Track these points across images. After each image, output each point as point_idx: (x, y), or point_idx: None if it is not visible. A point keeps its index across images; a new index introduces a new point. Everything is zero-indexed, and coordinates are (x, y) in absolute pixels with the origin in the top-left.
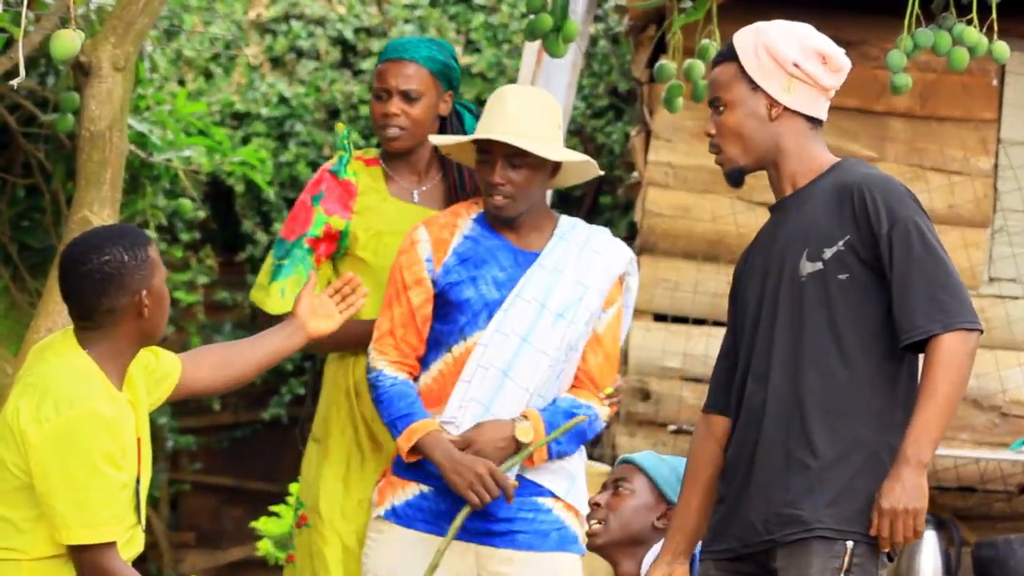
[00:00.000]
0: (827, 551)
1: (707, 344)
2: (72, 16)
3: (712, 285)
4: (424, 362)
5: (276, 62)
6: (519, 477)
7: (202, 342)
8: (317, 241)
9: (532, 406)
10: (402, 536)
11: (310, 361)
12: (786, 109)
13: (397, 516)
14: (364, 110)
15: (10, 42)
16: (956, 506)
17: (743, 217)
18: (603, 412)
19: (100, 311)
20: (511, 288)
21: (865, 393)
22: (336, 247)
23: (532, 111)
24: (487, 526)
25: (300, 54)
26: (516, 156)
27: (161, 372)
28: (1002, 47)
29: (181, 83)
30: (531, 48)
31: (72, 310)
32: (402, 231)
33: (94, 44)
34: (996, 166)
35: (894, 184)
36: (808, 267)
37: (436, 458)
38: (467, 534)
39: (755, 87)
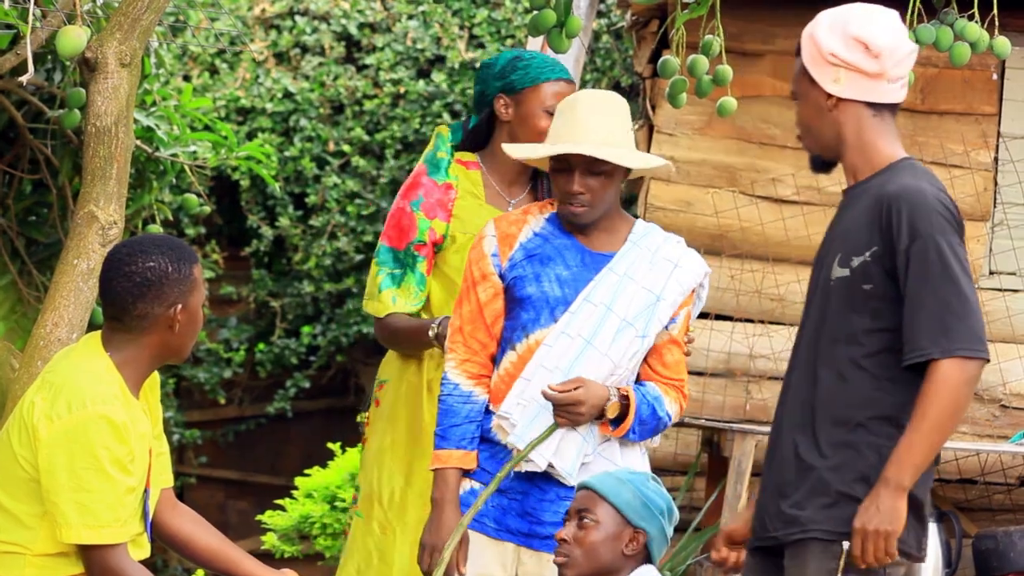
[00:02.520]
0: (824, 552)
1: (710, 338)
2: (78, 12)
3: (714, 279)
4: (497, 358)
5: (281, 57)
6: (557, 485)
7: (207, 336)
8: (424, 246)
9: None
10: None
11: (314, 355)
12: (841, 99)
13: None
14: (368, 105)
15: (17, 38)
16: (956, 498)
17: (745, 211)
18: (675, 410)
19: (132, 315)
20: (575, 288)
21: (876, 402)
22: (435, 250)
23: (606, 117)
24: (532, 528)
25: (305, 50)
26: (594, 164)
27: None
28: (1003, 42)
29: (187, 78)
30: (534, 43)
31: (106, 309)
32: None
33: (100, 40)
34: (996, 160)
35: (926, 199)
36: (838, 272)
37: (434, 496)
38: (510, 534)
39: (812, 80)
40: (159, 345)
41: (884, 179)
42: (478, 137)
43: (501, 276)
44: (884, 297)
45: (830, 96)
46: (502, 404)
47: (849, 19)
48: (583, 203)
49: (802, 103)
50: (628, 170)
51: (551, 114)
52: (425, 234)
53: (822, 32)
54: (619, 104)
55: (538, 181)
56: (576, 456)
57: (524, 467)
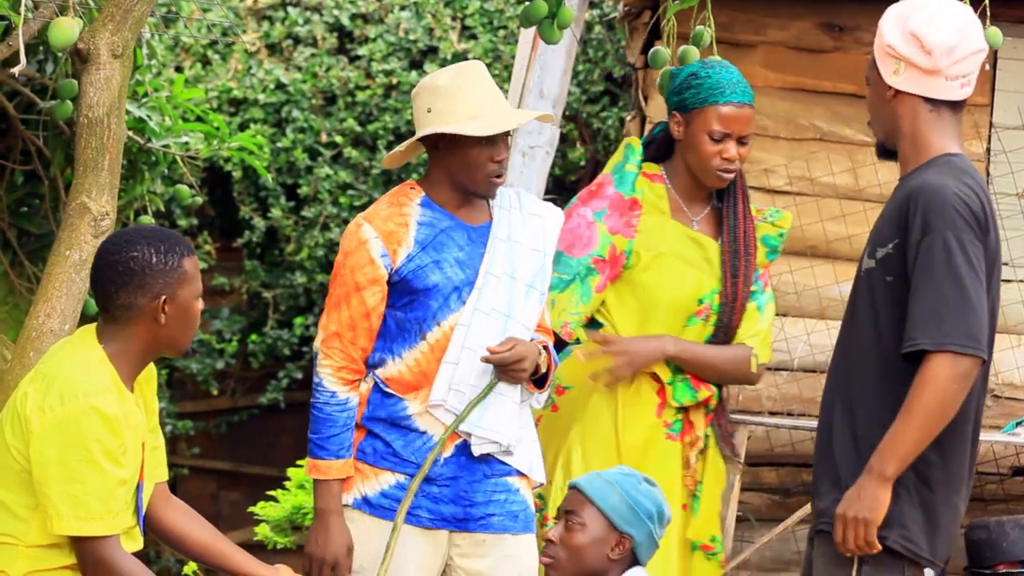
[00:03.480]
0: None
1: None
2: (70, 3)
3: None
4: (393, 351)
5: (273, 49)
6: (492, 458)
7: (200, 327)
8: (603, 262)
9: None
10: (380, 527)
11: (307, 346)
12: (899, 91)
13: (371, 506)
14: (361, 96)
15: (9, 29)
16: None
17: None
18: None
19: (116, 304)
20: (472, 265)
21: (893, 393)
22: (620, 270)
23: (490, 84)
24: (466, 511)
25: (297, 41)
26: (511, 132)
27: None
28: (995, 32)
29: (179, 70)
30: (526, 34)
31: (96, 299)
32: (681, 255)
33: (92, 31)
34: (988, 150)
35: (943, 195)
36: (867, 263)
37: (318, 506)
38: (444, 521)
39: (878, 69)
40: (148, 337)
41: (921, 174)
42: (661, 148)
43: (395, 273)
44: (903, 289)
45: (890, 87)
46: (432, 392)
47: (912, 14)
48: (504, 170)
49: (870, 90)
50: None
51: (716, 140)
52: (606, 249)
53: (887, 23)
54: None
55: (725, 200)
56: (514, 424)
57: (479, 448)
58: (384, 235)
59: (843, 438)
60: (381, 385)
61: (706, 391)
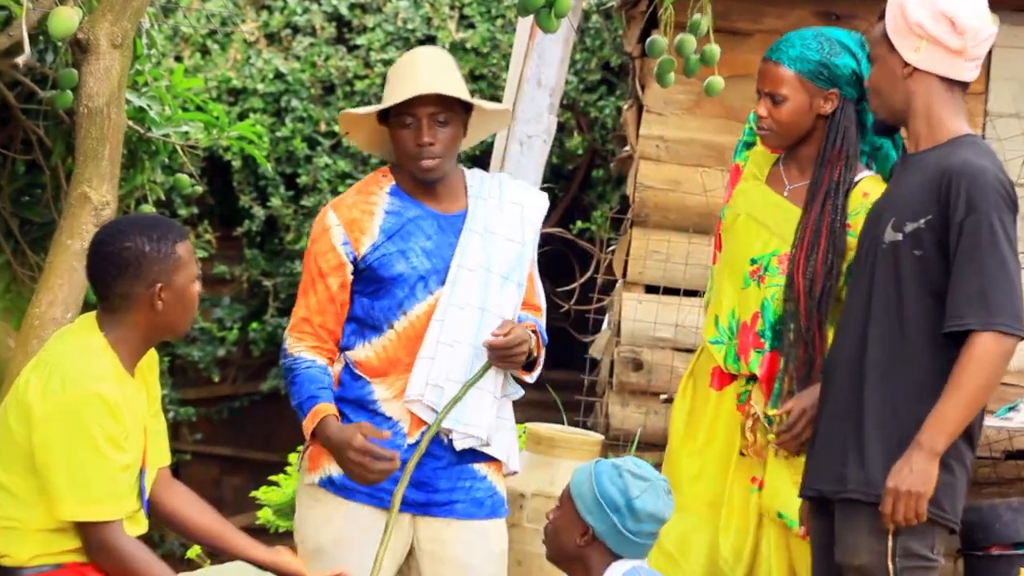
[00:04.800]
0: (875, 515)
1: (699, 315)
2: None
3: (703, 257)
4: (363, 336)
5: (272, 38)
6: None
7: (201, 315)
8: (719, 236)
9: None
10: (345, 508)
11: None
12: (916, 69)
13: (334, 486)
14: (359, 85)
15: (9, 19)
16: None
17: None
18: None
19: (114, 294)
20: (441, 256)
21: (917, 363)
22: (719, 234)
23: (443, 67)
24: (428, 496)
25: (296, 30)
26: (441, 112)
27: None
28: (994, 19)
29: (178, 59)
30: (524, 23)
31: (93, 290)
32: (760, 218)
33: (92, 21)
34: (983, 137)
35: (986, 176)
36: (890, 235)
37: (325, 439)
38: (407, 506)
39: (892, 47)
40: (147, 323)
41: (946, 152)
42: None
43: (359, 261)
44: (932, 264)
45: (907, 64)
46: (409, 387)
47: None
48: (434, 155)
49: (878, 67)
50: (467, 122)
51: (757, 96)
52: (721, 222)
53: (911, 3)
54: (451, 58)
55: (822, 171)
56: (491, 417)
57: (461, 444)
58: (346, 223)
59: (869, 412)
60: (351, 367)
61: (746, 367)
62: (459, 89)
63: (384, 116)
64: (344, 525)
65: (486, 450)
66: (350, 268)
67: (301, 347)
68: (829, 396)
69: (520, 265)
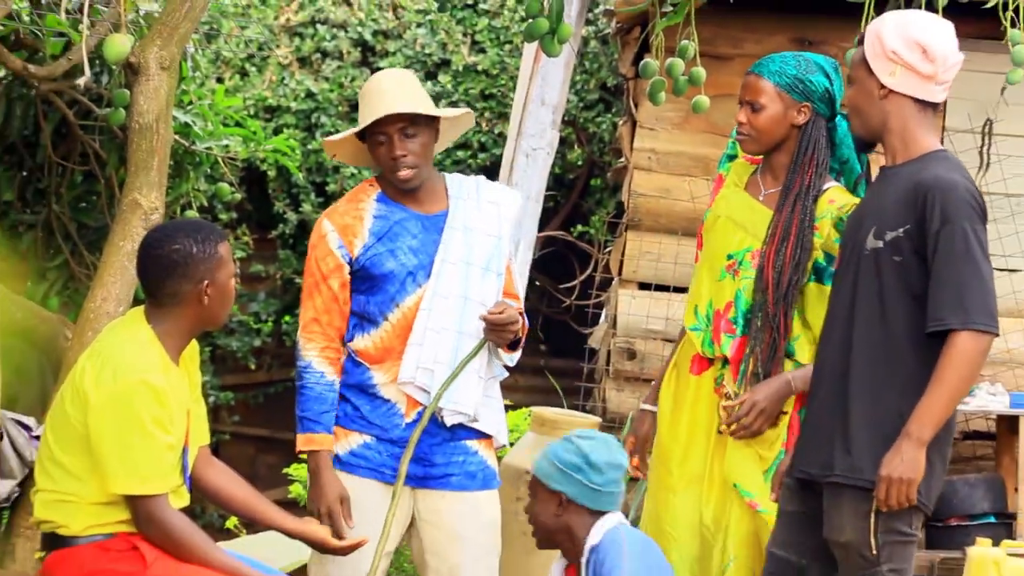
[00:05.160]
0: (859, 497)
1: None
2: (123, 22)
3: (690, 257)
4: (362, 328)
5: (304, 62)
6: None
7: (239, 309)
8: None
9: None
10: (351, 483)
11: None
12: (892, 91)
13: (340, 462)
14: None
15: (69, 45)
16: None
17: None
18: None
19: (165, 292)
20: (426, 251)
21: (899, 360)
22: (701, 234)
23: (406, 87)
24: (426, 470)
25: (325, 55)
26: (408, 127)
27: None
28: None
29: (220, 80)
30: (530, 48)
31: (143, 288)
32: (737, 219)
33: (142, 46)
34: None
35: (958, 190)
36: (872, 243)
37: (312, 469)
38: (408, 479)
39: (870, 70)
40: (193, 317)
41: (919, 166)
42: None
43: (353, 262)
44: (911, 269)
45: (883, 87)
46: (401, 372)
47: (913, 24)
48: (409, 165)
49: (856, 88)
50: (437, 130)
51: (740, 105)
52: (703, 224)
53: (887, 31)
54: (411, 75)
55: (793, 177)
56: (478, 395)
57: (451, 420)
58: (340, 228)
59: (854, 404)
60: (353, 355)
61: (719, 349)
62: (421, 104)
63: (362, 135)
64: (352, 497)
65: (477, 426)
66: (347, 269)
67: (312, 350)
68: (819, 388)
69: (499, 256)
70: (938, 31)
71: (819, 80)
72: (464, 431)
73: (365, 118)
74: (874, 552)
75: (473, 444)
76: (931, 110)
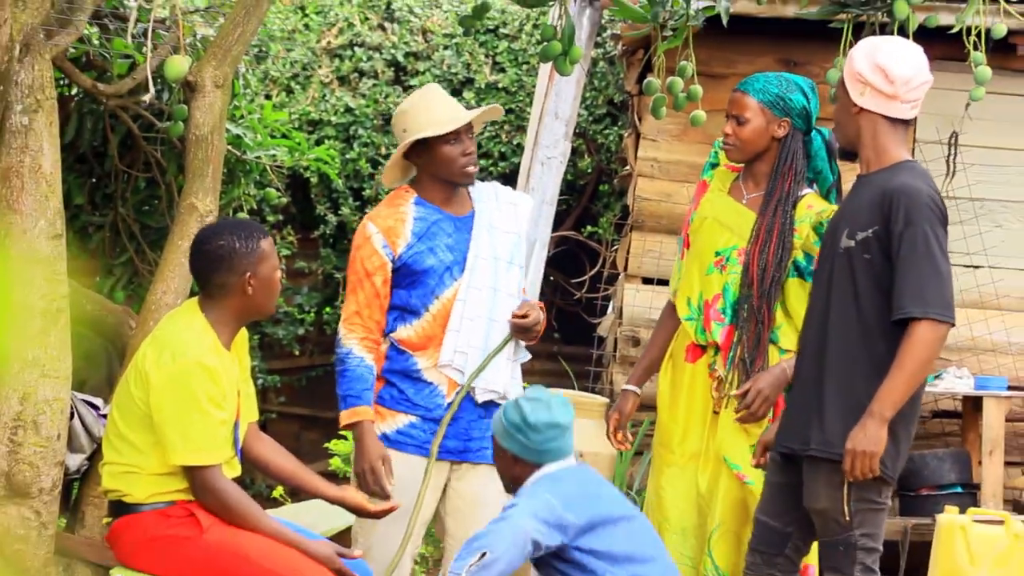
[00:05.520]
0: (832, 469)
1: None
2: (182, 45)
3: None
4: (404, 320)
5: (343, 80)
6: (488, 403)
7: (285, 301)
8: (685, 236)
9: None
10: (397, 457)
11: None
12: (863, 109)
13: (388, 440)
14: None
15: (133, 66)
16: None
17: None
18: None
19: (213, 284)
20: (459, 249)
21: (869, 347)
22: (687, 235)
23: (449, 97)
24: (465, 445)
25: (362, 74)
26: (471, 129)
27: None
28: None
29: (268, 97)
30: (545, 68)
31: (196, 281)
32: (724, 221)
33: (199, 67)
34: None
35: (921, 195)
36: (845, 242)
37: (357, 436)
38: (448, 453)
39: (846, 89)
40: (240, 306)
41: (889, 175)
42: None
43: (396, 260)
44: (879, 266)
45: (856, 105)
46: (441, 356)
47: (879, 50)
48: (475, 161)
49: (838, 105)
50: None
51: (727, 118)
52: (689, 225)
53: (858, 55)
54: (440, 88)
55: (774, 184)
56: (507, 375)
57: (482, 397)
58: (384, 230)
59: (829, 385)
60: (396, 344)
61: (710, 335)
62: (475, 111)
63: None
64: (396, 470)
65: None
66: (390, 266)
67: (353, 339)
68: (799, 372)
69: (518, 250)
70: (902, 56)
71: (798, 98)
72: (496, 408)
73: (443, 124)
74: (847, 519)
75: None
76: (902, 125)
